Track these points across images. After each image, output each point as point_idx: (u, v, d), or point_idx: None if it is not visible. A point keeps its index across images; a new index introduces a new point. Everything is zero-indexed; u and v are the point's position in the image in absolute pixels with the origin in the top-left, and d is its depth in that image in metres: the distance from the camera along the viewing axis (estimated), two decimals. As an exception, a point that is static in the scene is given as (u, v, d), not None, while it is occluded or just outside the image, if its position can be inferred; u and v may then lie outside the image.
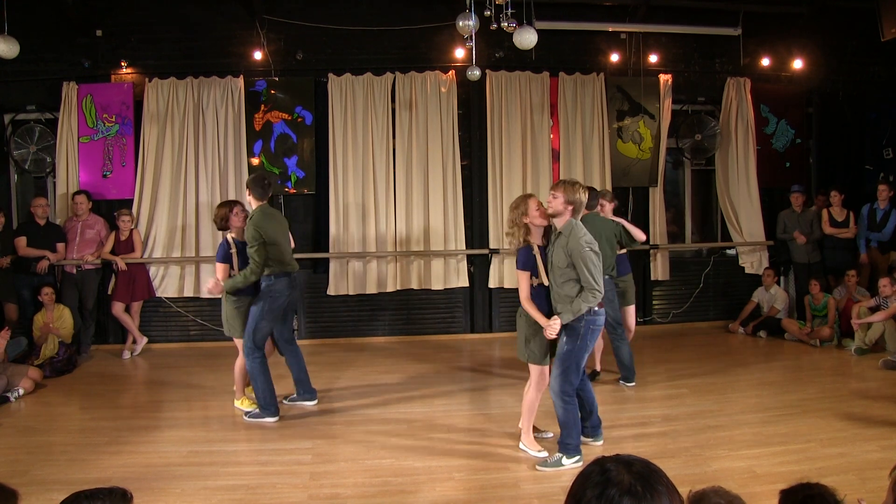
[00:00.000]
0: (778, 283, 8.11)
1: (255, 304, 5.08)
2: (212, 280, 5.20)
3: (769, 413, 5.01)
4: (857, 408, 5.06)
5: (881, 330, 6.70)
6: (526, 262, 4.10)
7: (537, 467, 4.07)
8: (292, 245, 5.43)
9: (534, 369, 4.23)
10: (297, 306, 5.22)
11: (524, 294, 4.11)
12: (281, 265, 5.10)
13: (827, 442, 4.36)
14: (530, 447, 4.28)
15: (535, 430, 4.46)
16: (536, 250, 4.12)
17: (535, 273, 4.11)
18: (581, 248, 3.89)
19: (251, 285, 5.10)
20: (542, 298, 4.12)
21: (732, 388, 5.76)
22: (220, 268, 5.17)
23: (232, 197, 7.55)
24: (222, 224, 5.29)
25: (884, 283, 6.79)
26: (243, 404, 5.31)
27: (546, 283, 4.09)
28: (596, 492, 1.25)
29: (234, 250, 5.20)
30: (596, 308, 4.01)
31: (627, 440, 4.50)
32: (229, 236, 5.26)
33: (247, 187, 5.27)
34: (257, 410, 5.12)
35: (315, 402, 5.45)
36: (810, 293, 7.52)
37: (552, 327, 3.96)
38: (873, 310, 6.86)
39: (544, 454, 4.19)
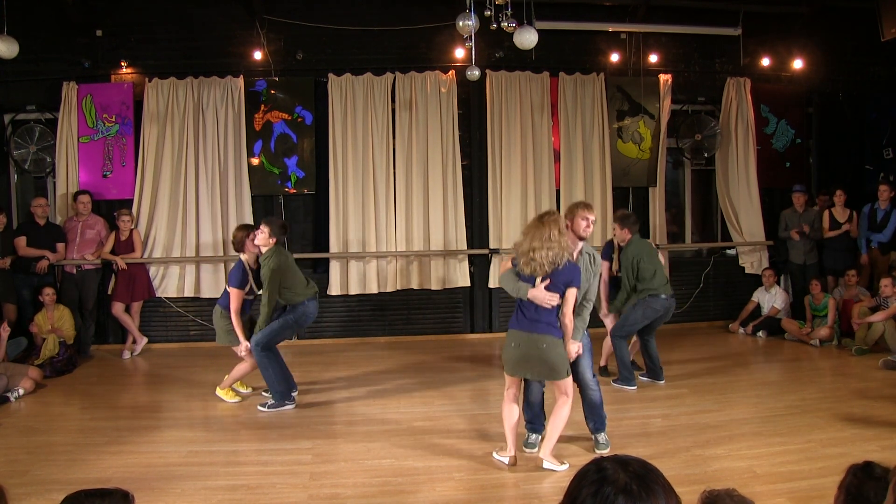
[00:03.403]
0: (778, 282, 8.11)
1: (283, 317, 5.33)
2: (243, 345, 5.31)
3: (769, 413, 5.01)
4: (857, 408, 5.05)
5: (881, 330, 6.69)
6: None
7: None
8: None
9: (568, 383, 4.07)
10: None
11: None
12: (305, 293, 5.37)
13: (827, 442, 4.35)
14: (556, 464, 4.06)
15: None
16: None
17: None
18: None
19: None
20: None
21: (732, 388, 5.76)
22: (235, 293, 5.27)
23: (232, 196, 7.59)
24: (238, 247, 5.45)
25: (885, 283, 6.79)
26: (227, 395, 5.49)
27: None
28: (591, 490, 1.25)
29: (250, 275, 5.39)
30: None
31: (627, 440, 4.49)
32: (244, 257, 5.40)
33: (265, 224, 5.30)
34: (273, 402, 5.31)
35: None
36: (811, 293, 7.52)
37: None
38: (874, 310, 6.86)
39: (566, 465, 4.05)
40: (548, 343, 3.92)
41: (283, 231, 5.39)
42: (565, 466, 4.03)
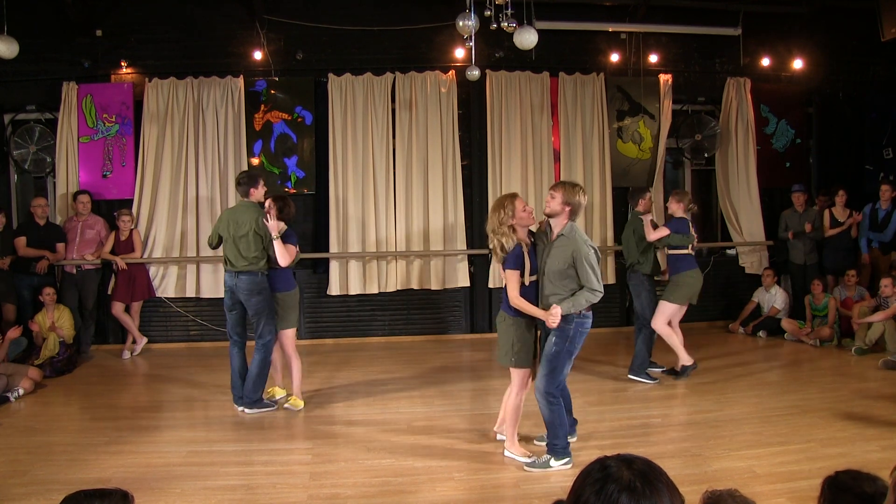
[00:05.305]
0: (778, 283, 8.10)
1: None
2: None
3: (769, 413, 5.01)
4: (857, 408, 5.05)
5: (881, 330, 6.69)
6: (516, 261, 4.00)
7: (525, 468, 4.03)
8: (292, 247, 5.22)
9: (516, 373, 4.15)
10: (249, 307, 5.15)
11: (515, 293, 4.01)
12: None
13: (827, 442, 4.35)
14: (517, 453, 4.17)
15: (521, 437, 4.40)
16: (525, 250, 4.04)
17: (522, 272, 4.03)
18: (583, 250, 3.88)
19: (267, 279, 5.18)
20: (532, 297, 4.05)
21: (732, 388, 5.76)
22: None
23: (232, 196, 7.58)
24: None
25: (885, 282, 6.79)
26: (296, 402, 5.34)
27: (528, 283, 4.04)
28: (595, 488, 1.25)
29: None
30: (585, 311, 3.96)
31: (628, 440, 4.49)
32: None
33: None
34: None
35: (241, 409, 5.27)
36: (811, 293, 7.52)
37: (554, 316, 3.84)
38: (874, 310, 6.86)
39: (533, 458, 4.11)
40: (500, 319, 4.20)
41: (238, 184, 5.27)
42: (529, 460, 4.10)
